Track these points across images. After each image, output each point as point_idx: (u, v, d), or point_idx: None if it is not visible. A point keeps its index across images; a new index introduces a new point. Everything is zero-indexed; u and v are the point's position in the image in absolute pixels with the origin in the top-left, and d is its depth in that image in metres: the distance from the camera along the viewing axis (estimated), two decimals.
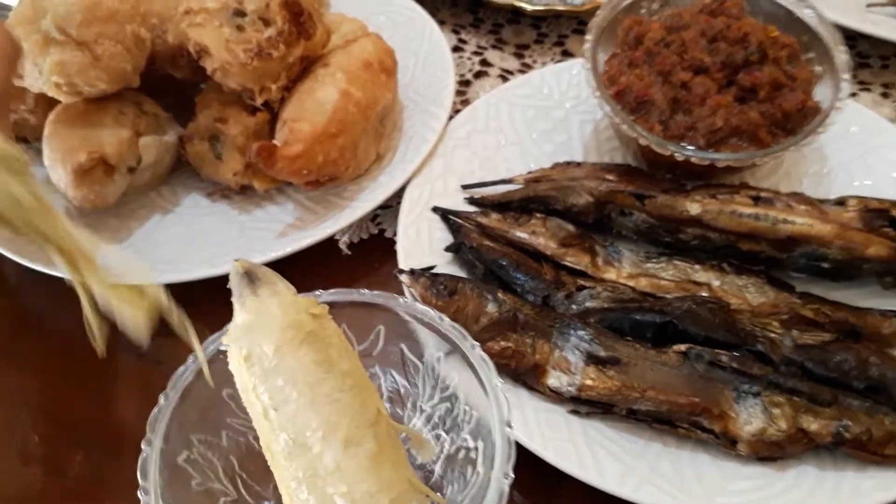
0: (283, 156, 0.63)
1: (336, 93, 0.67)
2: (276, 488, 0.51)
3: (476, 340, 0.57)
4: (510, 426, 0.47)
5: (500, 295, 0.61)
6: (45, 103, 0.72)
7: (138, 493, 0.47)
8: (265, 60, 0.64)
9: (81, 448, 0.63)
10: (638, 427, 0.59)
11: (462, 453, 0.52)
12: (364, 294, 0.54)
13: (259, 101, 0.67)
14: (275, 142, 0.65)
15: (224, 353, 0.51)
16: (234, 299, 0.48)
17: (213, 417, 0.52)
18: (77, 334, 0.69)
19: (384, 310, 0.54)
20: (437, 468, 0.54)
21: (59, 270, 0.62)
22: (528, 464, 0.58)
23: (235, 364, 0.47)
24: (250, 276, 0.47)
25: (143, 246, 0.71)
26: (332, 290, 0.54)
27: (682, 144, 0.67)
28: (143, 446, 0.48)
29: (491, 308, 0.60)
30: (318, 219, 0.70)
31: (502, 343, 0.59)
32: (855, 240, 0.64)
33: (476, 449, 0.51)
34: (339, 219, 0.68)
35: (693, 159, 0.65)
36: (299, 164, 0.64)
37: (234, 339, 0.47)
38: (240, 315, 0.47)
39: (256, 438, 0.52)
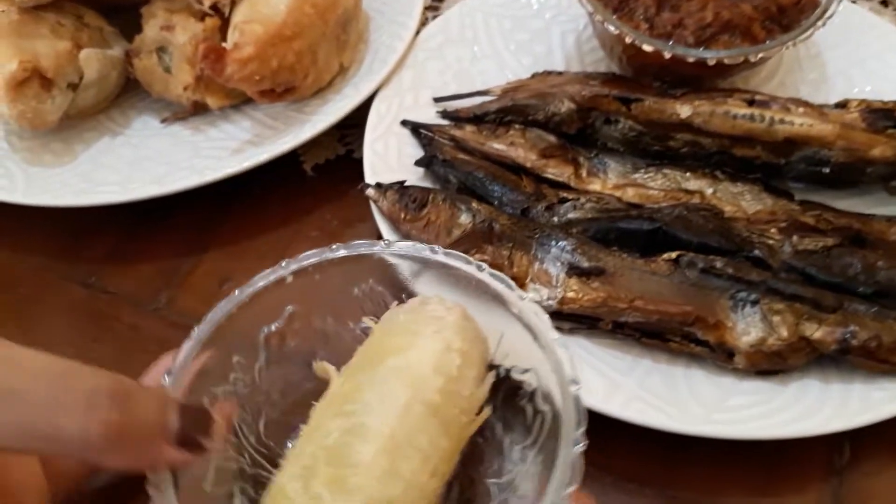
0: (234, 59, 0.58)
1: None
2: None
3: None
4: (576, 383, 0.37)
5: (474, 205, 0.56)
6: None
7: None
8: None
9: None
10: (625, 343, 0.54)
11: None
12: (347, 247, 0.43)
13: (207, 5, 0.61)
14: (225, 45, 0.59)
15: None
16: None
17: None
18: (14, 266, 0.65)
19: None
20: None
21: None
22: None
23: None
24: None
25: (88, 169, 0.65)
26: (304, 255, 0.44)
27: (670, 43, 0.61)
28: None
29: (464, 219, 0.55)
30: (277, 134, 0.64)
31: (477, 256, 0.54)
32: (858, 140, 0.59)
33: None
34: (300, 133, 0.63)
35: (682, 57, 0.60)
36: (251, 69, 0.58)
37: None
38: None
39: None
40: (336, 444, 0.35)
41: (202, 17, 0.63)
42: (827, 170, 0.60)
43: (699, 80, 0.64)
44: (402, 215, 0.56)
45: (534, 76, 0.69)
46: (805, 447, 0.51)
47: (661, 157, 0.63)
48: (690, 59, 0.60)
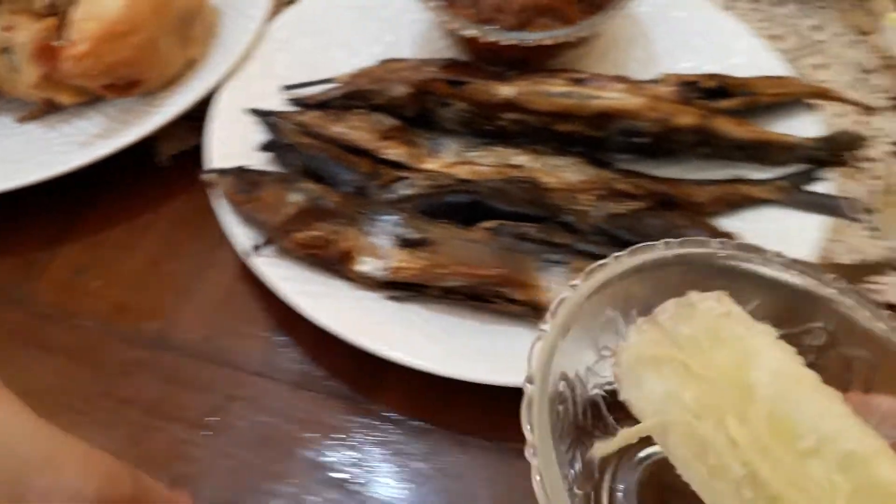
0: (69, 56, 0.60)
1: None
2: None
3: (281, 232, 0.56)
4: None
5: (304, 184, 0.59)
6: None
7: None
8: None
9: None
10: (456, 307, 0.58)
11: None
12: None
13: (39, 5, 0.63)
14: (62, 42, 0.61)
15: None
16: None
17: None
18: None
19: None
20: None
21: None
22: (349, 356, 0.57)
23: None
24: None
25: None
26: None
27: (491, 28, 0.65)
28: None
29: (295, 197, 0.59)
30: (125, 128, 0.67)
31: (309, 232, 0.57)
32: (665, 110, 0.64)
33: None
34: (146, 125, 0.65)
35: (501, 40, 0.64)
36: (86, 65, 0.60)
37: None
38: None
39: None
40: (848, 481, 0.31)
41: (42, 16, 0.65)
42: (642, 140, 0.65)
43: (530, 62, 0.69)
44: (238, 197, 0.59)
45: (380, 63, 0.72)
46: None
47: (493, 135, 0.67)
48: (509, 42, 0.64)
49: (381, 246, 0.57)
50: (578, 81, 0.66)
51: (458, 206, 0.60)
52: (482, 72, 0.68)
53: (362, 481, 0.54)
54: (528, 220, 0.58)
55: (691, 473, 0.34)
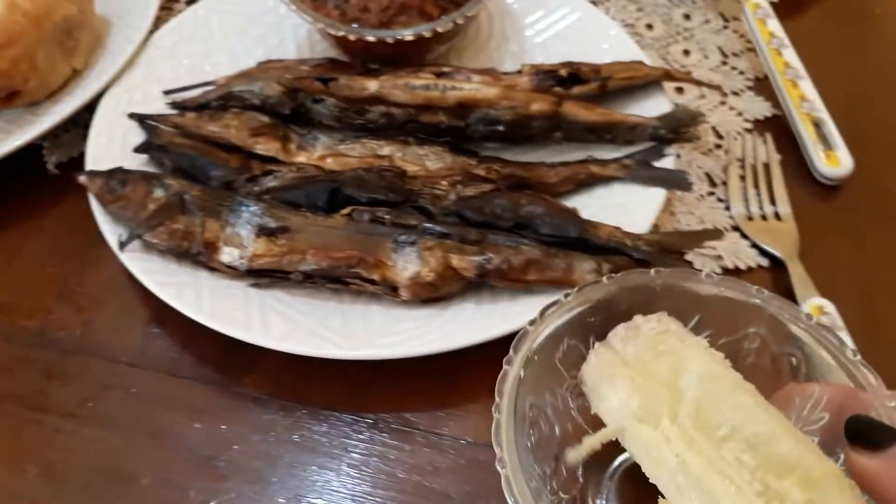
0: None
1: (1, 5, 0.66)
2: None
3: (145, 227, 0.59)
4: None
5: (167, 180, 0.62)
6: None
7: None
8: None
9: None
10: (318, 291, 0.61)
11: None
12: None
13: None
14: None
15: None
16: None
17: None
18: None
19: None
20: None
21: None
22: (218, 343, 0.60)
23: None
24: None
25: None
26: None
27: (355, 27, 0.69)
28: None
29: (158, 193, 0.61)
30: (9, 137, 0.69)
31: (172, 226, 0.60)
32: (519, 99, 0.67)
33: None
34: (27, 134, 0.68)
35: (365, 38, 0.68)
36: None
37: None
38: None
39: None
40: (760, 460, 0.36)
41: None
42: (502, 128, 0.68)
43: (402, 59, 0.72)
44: (107, 197, 0.62)
45: (259, 65, 0.75)
46: (476, 364, 0.59)
47: (365, 129, 0.70)
48: (371, 39, 0.68)
49: (242, 236, 0.60)
50: (442, 75, 0.70)
51: (318, 194, 0.63)
52: (354, 69, 0.71)
53: (228, 459, 0.57)
54: (387, 206, 0.61)
55: (645, 468, 0.39)
